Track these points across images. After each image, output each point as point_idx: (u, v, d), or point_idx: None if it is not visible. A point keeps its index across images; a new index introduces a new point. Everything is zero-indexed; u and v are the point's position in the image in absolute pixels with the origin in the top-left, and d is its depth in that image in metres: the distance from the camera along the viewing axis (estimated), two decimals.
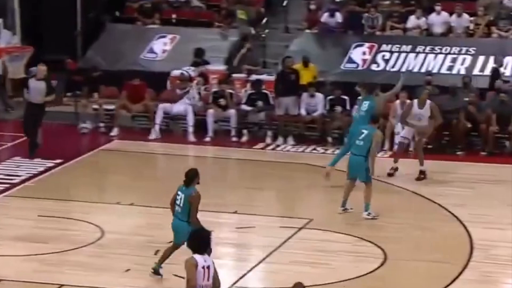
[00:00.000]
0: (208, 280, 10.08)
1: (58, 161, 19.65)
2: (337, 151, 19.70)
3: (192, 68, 22.98)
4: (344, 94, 21.51)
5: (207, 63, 23.26)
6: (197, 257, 10.05)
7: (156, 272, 13.54)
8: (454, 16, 23.59)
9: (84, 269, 14.28)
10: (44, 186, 18.22)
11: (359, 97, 21.00)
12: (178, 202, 13.21)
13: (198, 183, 13.24)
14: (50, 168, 19.25)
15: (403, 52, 23.07)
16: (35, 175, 18.85)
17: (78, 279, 13.89)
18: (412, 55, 22.94)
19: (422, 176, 18.56)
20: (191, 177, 13.19)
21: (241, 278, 13.99)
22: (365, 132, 16.40)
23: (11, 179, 18.60)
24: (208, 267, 10.07)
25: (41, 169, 19.24)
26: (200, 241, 10.19)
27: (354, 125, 18.10)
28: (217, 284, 10.23)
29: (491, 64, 22.25)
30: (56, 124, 22.88)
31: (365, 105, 18.21)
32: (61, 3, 25.71)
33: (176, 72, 22.56)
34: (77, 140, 21.90)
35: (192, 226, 13.02)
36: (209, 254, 10.11)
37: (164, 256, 13.51)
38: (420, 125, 18.64)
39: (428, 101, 18.64)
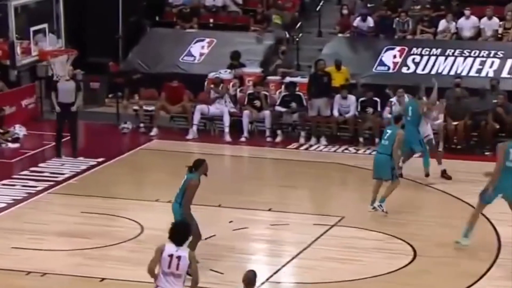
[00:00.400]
0: (176, 269, 10.29)
1: (100, 159, 19.76)
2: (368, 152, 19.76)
3: (229, 70, 23.01)
4: (376, 96, 21.46)
5: (243, 65, 23.27)
6: (168, 245, 10.32)
7: None
8: (484, 19, 23.46)
9: (124, 264, 14.35)
10: (87, 183, 18.31)
11: (391, 99, 20.98)
12: (180, 186, 13.42)
13: (205, 174, 13.46)
14: (92, 167, 19.35)
15: (433, 55, 22.95)
16: (78, 173, 18.96)
17: (119, 273, 13.96)
18: (441, 58, 22.82)
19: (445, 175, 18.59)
20: (197, 165, 13.40)
21: (274, 273, 13.99)
22: (389, 131, 16.39)
23: (56, 177, 18.72)
24: (178, 258, 10.27)
25: (84, 167, 19.35)
26: (176, 232, 10.41)
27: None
28: (195, 277, 10.41)
29: None
30: (99, 124, 23.04)
31: (410, 109, 18.41)
32: (104, 8, 25.82)
33: (212, 75, 22.61)
34: (118, 139, 21.99)
35: (183, 209, 13.17)
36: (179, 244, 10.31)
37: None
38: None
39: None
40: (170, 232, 10.48)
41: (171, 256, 10.34)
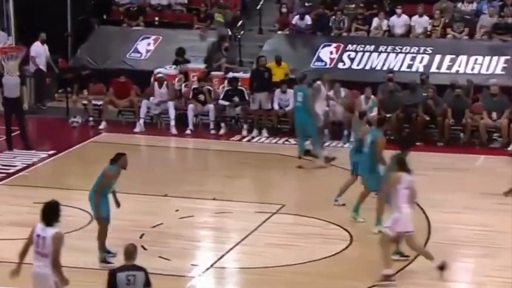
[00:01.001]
0: (42, 249, 10.28)
1: (51, 152, 19.59)
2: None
3: (174, 66, 22.93)
4: None
5: (187, 61, 23.20)
6: (38, 225, 10.36)
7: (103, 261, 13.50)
8: (415, 17, 23.66)
9: (75, 251, 14.16)
10: (38, 175, 18.15)
11: (328, 93, 21.08)
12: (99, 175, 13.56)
13: (124, 168, 13.51)
14: (43, 159, 19.18)
15: (367, 51, 23.08)
16: (29, 165, 18.76)
17: (70, 260, 13.72)
18: (375, 54, 22.96)
19: None
20: (117, 158, 13.53)
21: (219, 259, 13.99)
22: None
23: (8, 169, 18.52)
24: (44, 238, 10.25)
25: (35, 159, 19.17)
26: (44, 212, 10.39)
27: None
28: (54, 256, 10.28)
29: (446, 63, 22.36)
30: (49, 118, 22.82)
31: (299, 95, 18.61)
32: (53, 7, 25.53)
33: (156, 71, 22.52)
34: (68, 133, 21.81)
35: (96, 195, 13.42)
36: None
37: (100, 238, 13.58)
38: None
39: None
40: (41, 213, 10.43)
41: (38, 236, 10.34)
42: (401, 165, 13.12)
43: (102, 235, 13.52)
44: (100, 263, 13.35)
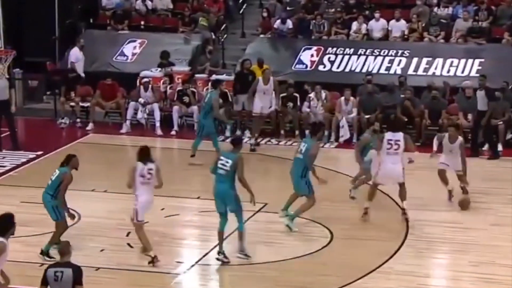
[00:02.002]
0: None
1: (39, 152, 19.52)
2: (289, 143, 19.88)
3: (159, 69, 22.90)
4: (295, 91, 21.55)
5: (172, 64, 23.18)
6: None
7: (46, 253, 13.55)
8: (392, 21, 23.73)
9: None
10: (27, 175, 18.08)
11: (309, 95, 21.17)
12: (53, 178, 13.66)
13: (76, 168, 13.58)
14: (32, 159, 19.11)
15: (347, 54, 23.14)
16: (18, 166, 18.70)
17: (57, 258, 13.76)
18: (354, 57, 23.02)
19: None
20: (68, 159, 13.61)
21: (203, 256, 13.99)
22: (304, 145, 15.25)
23: None
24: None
25: (24, 160, 19.11)
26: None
27: None
28: None
29: (423, 65, 22.43)
30: (37, 119, 22.74)
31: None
32: (41, 11, 25.50)
33: (142, 74, 22.48)
34: (56, 134, 21.74)
35: (58, 199, 13.52)
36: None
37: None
38: None
39: (460, 138, 16.68)
40: None
41: None
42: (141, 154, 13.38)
43: (57, 236, 13.59)
44: (41, 254, 13.41)
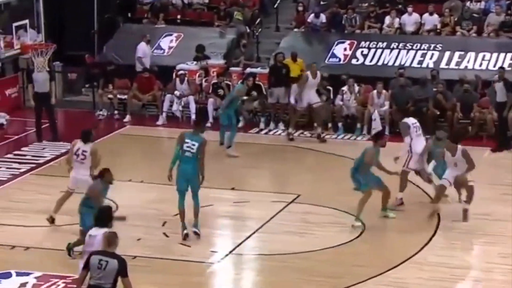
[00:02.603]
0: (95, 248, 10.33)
1: None
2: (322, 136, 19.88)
3: (195, 62, 22.92)
4: (328, 85, 21.48)
5: (207, 58, 23.18)
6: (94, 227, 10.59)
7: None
8: (425, 15, 23.57)
9: None
10: (66, 166, 18.14)
11: (343, 88, 21.10)
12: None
13: (111, 183, 13.22)
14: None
15: (379, 48, 22.99)
16: (58, 156, 18.81)
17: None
18: (387, 51, 22.86)
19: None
20: (101, 172, 13.29)
21: (237, 246, 14.00)
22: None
23: (37, 160, 18.58)
24: (95, 237, 10.47)
25: (63, 150, 19.16)
26: (95, 215, 10.72)
27: None
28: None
29: (455, 59, 22.26)
30: (76, 111, 22.86)
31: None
32: (80, 6, 25.61)
33: (179, 67, 22.51)
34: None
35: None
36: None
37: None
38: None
39: (460, 147, 14.94)
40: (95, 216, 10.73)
41: (90, 236, 10.64)
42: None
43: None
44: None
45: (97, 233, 10.50)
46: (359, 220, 14.60)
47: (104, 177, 13.12)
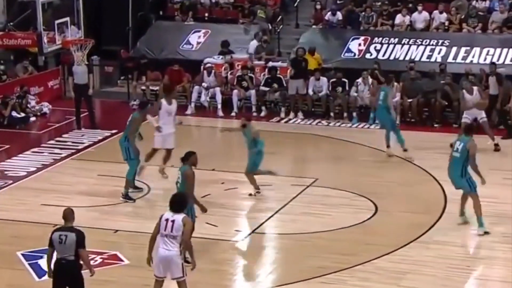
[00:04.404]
0: (171, 231, 10.16)
1: (114, 131, 19.65)
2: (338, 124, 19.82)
3: (221, 56, 22.90)
4: (344, 77, 21.41)
5: (232, 52, 23.14)
6: (166, 212, 10.25)
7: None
8: (434, 13, 23.43)
9: (134, 218, 14.33)
10: (103, 151, 18.24)
11: (357, 80, 20.97)
12: (178, 179, 12.34)
13: (194, 165, 12.34)
14: (107, 137, 19.27)
15: (391, 43, 22.86)
16: (95, 142, 18.89)
17: (130, 226, 13.94)
18: (398, 46, 22.73)
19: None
20: (187, 156, 12.37)
21: (260, 226, 14.00)
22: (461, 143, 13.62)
23: (77, 146, 18.66)
24: (173, 221, 10.16)
25: (100, 137, 19.29)
26: (170, 201, 10.36)
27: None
28: (185, 238, 10.21)
29: (462, 54, 22.11)
30: (112, 101, 22.93)
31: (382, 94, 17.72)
32: (117, 4, 25.65)
33: (207, 60, 22.48)
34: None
35: (187, 195, 12.00)
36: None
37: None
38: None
39: (475, 88, 17.83)
40: (169, 202, 10.40)
41: (167, 220, 10.26)
42: None
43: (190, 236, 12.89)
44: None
45: (175, 218, 10.20)
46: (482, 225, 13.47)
47: (190, 159, 12.50)
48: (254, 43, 22.82)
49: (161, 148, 15.88)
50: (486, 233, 13.40)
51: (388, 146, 17.55)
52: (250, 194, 15.13)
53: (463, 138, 13.66)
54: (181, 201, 10.45)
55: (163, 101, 15.90)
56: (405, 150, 17.49)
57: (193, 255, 10.38)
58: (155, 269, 10.37)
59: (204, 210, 12.29)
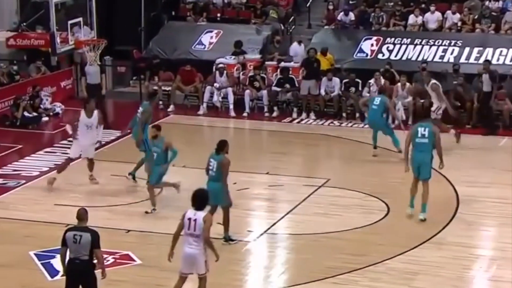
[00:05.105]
0: (194, 230, 10.25)
1: (126, 131, 19.69)
2: (350, 125, 19.80)
3: (233, 57, 22.93)
4: (356, 77, 21.40)
5: (244, 52, 23.17)
6: (190, 210, 10.30)
7: (228, 239, 13.16)
8: (447, 13, 23.39)
9: (147, 218, 14.36)
10: (115, 151, 18.29)
11: (370, 81, 20.97)
12: (211, 167, 12.86)
13: (227, 152, 12.86)
14: (119, 137, 19.31)
15: (404, 44, 22.84)
16: (108, 143, 18.92)
17: (142, 226, 13.97)
18: (411, 46, 22.71)
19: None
20: (221, 146, 12.83)
21: (271, 226, 14.02)
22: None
23: None
24: (195, 220, 10.22)
25: (113, 137, 19.34)
26: (193, 198, 10.40)
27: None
28: (204, 234, 10.27)
29: (474, 54, 22.06)
30: (125, 101, 22.98)
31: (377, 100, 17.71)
32: (129, 5, 25.73)
33: (219, 61, 22.53)
34: None
35: (223, 185, 12.85)
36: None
37: (225, 224, 13.14)
38: None
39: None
40: (191, 199, 10.45)
41: (189, 219, 10.32)
42: None
43: (227, 221, 13.06)
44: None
45: (197, 217, 10.27)
46: None
47: (224, 148, 12.75)
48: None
49: (77, 157, 15.80)
50: (425, 219, 13.82)
51: (375, 147, 17.65)
52: (147, 212, 14.36)
53: (425, 124, 14.12)
54: (203, 198, 10.53)
55: (82, 113, 15.72)
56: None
57: (215, 248, 10.49)
58: (181, 265, 10.49)
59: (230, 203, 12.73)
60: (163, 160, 14.37)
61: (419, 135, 13.96)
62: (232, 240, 13.18)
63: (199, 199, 10.43)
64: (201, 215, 10.31)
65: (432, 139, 13.89)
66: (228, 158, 12.81)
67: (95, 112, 15.75)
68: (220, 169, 12.69)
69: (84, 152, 15.83)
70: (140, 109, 15.80)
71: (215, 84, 21.92)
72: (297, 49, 22.71)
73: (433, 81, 18.53)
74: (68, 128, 15.89)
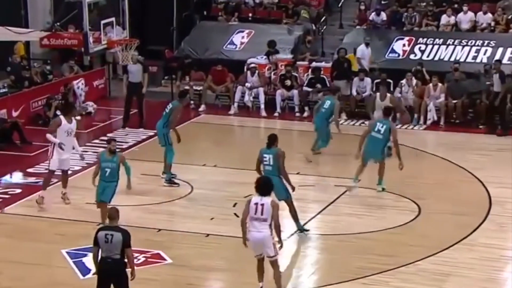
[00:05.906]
0: (261, 214, 10.71)
1: (157, 131, 19.77)
2: None
3: (265, 56, 22.93)
4: (388, 78, 21.29)
5: (277, 52, 23.17)
6: (254, 196, 10.72)
7: (302, 230, 13.43)
8: (480, 14, 23.20)
9: (177, 217, 14.42)
10: (146, 150, 18.36)
11: (401, 81, 20.83)
12: (266, 162, 13.10)
13: (276, 145, 13.27)
14: (151, 137, 19.37)
15: (436, 44, 22.71)
16: (139, 142, 19.02)
17: (173, 225, 14.02)
18: (443, 47, 22.56)
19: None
20: (273, 140, 13.20)
21: (303, 226, 13.95)
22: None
23: (121, 145, 18.77)
24: (262, 205, 10.68)
25: (144, 137, 19.43)
26: (258, 185, 10.87)
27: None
28: (275, 221, 10.73)
29: (508, 54, 21.86)
30: (156, 101, 23.04)
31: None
32: (161, 4, 25.83)
33: (250, 61, 22.55)
34: None
35: (284, 177, 13.13)
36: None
37: (293, 216, 13.38)
38: None
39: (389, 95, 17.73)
40: (256, 186, 10.87)
41: (256, 204, 10.72)
42: None
43: (294, 212, 13.38)
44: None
45: (264, 202, 10.71)
46: None
47: (275, 142, 13.18)
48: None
49: (57, 169, 14.85)
50: (383, 189, 15.07)
51: (312, 149, 17.63)
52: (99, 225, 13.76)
53: (384, 121, 15.21)
54: (267, 184, 10.96)
55: (63, 119, 14.62)
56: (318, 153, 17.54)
57: (281, 236, 10.86)
58: (252, 250, 10.95)
59: (293, 188, 13.13)
60: (117, 177, 13.79)
61: (376, 129, 14.94)
62: (306, 230, 13.39)
63: (264, 185, 10.87)
64: (268, 200, 10.73)
65: (386, 136, 14.92)
66: (283, 150, 13.16)
67: (74, 119, 14.83)
68: (277, 161, 13.02)
69: (61, 163, 14.71)
70: (170, 106, 15.86)
71: (246, 84, 21.94)
72: (364, 50, 22.30)
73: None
74: (51, 137, 14.58)
